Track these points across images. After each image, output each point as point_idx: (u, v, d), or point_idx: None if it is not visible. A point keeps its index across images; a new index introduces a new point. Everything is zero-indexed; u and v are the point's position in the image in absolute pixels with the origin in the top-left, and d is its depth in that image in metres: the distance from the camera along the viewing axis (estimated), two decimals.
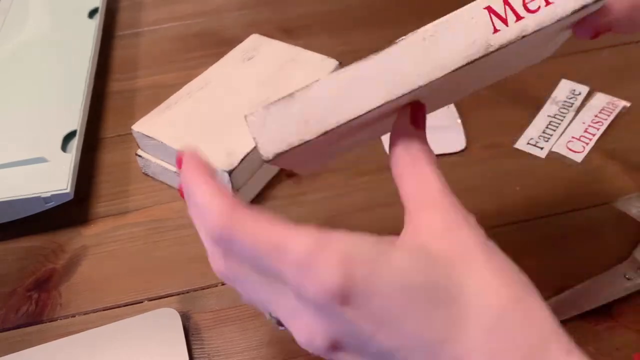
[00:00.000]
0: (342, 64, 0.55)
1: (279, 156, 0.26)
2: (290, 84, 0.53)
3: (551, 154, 0.51)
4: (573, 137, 0.52)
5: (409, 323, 0.22)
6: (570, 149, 0.51)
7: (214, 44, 0.68)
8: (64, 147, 0.50)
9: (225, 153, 0.47)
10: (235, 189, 0.47)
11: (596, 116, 0.54)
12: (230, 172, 0.46)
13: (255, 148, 0.45)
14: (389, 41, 0.25)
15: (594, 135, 0.52)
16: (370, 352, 0.23)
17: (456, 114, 0.54)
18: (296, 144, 0.26)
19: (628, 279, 0.41)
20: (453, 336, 0.22)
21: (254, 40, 0.59)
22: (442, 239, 0.24)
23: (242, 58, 0.57)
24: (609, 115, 0.54)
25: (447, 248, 0.23)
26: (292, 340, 0.37)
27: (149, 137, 0.49)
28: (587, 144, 0.52)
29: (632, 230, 0.45)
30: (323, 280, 0.21)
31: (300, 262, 0.22)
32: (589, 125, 0.53)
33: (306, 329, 0.23)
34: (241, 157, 0.46)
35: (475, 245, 0.24)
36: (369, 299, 0.21)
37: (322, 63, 0.55)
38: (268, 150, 0.26)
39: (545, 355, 0.22)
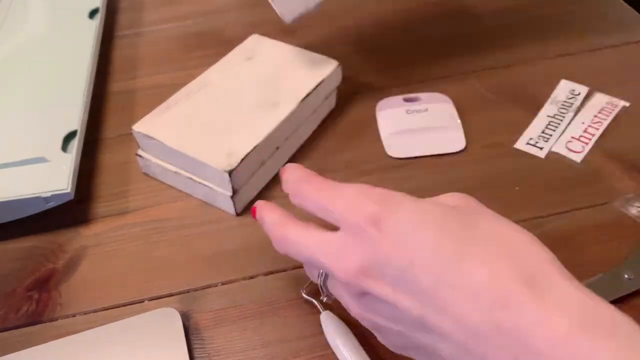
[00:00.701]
0: (341, 64, 0.55)
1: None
2: (291, 84, 0.53)
3: (551, 154, 0.51)
4: (573, 137, 0.52)
5: (426, 243, 0.27)
6: (570, 149, 0.51)
7: (214, 44, 0.68)
8: (64, 147, 0.50)
9: (225, 153, 0.47)
10: (235, 189, 0.47)
11: (595, 116, 0.54)
12: (230, 173, 0.46)
13: (255, 148, 0.47)
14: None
15: (593, 135, 0.52)
16: (389, 273, 0.28)
17: (456, 114, 0.55)
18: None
19: (628, 279, 0.41)
20: (465, 255, 0.26)
21: (254, 40, 0.59)
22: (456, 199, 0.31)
23: (242, 58, 0.57)
24: (608, 115, 0.54)
25: (460, 204, 0.30)
26: (293, 339, 0.37)
27: (150, 137, 0.49)
28: (586, 143, 0.52)
29: (632, 231, 0.45)
30: (363, 209, 0.29)
31: (349, 202, 0.30)
32: (589, 126, 0.53)
33: (341, 254, 0.29)
34: (241, 157, 0.46)
35: (481, 205, 0.30)
36: (394, 223, 0.28)
37: (322, 63, 0.55)
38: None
39: (547, 278, 0.25)
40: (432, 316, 0.26)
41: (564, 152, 0.51)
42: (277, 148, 0.51)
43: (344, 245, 0.29)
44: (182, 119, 0.50)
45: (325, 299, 0.35)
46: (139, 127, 0.50)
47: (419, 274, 0.26)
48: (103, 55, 0.66)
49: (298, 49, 0.57)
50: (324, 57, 0.56)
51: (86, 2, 0.67)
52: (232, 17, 0.72)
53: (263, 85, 0.54)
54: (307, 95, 0.52)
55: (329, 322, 0.39)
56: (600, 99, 0.56)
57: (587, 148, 0.51)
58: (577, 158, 0.51)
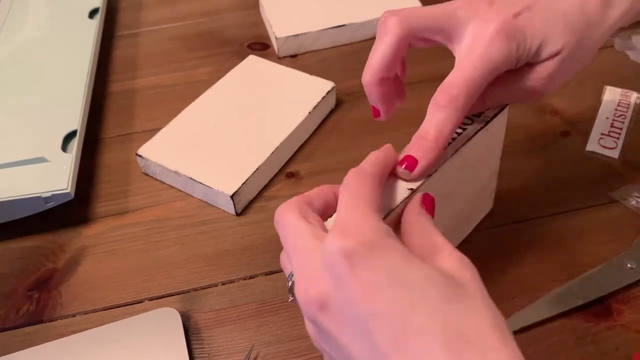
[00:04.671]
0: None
1: None
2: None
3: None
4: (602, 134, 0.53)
5: (395, 306, 0.24)
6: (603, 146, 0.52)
7: (214, 44, 0.68)
8: (64, 147, 0.50)
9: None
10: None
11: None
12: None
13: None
14: None
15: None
16: (349, 316, 0.25)
17: None
18: None
19: (631, 268, 0.41)
20: (416, 309, 0.24)
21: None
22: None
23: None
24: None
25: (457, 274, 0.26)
26: (292, 339, 0.37)
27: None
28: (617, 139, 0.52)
29: (634, 223, 0.45)
30: (337, 247, 0.26)
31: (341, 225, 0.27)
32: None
33: (311, 277, 0.27)
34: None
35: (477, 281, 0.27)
36: (370, 271, 0.25)
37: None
38: None
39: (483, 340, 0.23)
40: None
41: (599, 150, 0.51)
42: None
43: (316, 269, 0.27)
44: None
45: (290, 300, 0.33)
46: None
47: (376, 330, 0.24)
48: (103, 55, 0.66)
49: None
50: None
51: (86, 2, 0.67)
52: (232, 17, 0.72)
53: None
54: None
55: None
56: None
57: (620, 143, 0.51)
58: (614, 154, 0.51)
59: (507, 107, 0.37)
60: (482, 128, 0.35)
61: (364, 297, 0.25)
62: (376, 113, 0.38)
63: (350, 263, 0.25)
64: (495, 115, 0.36)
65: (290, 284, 0.31)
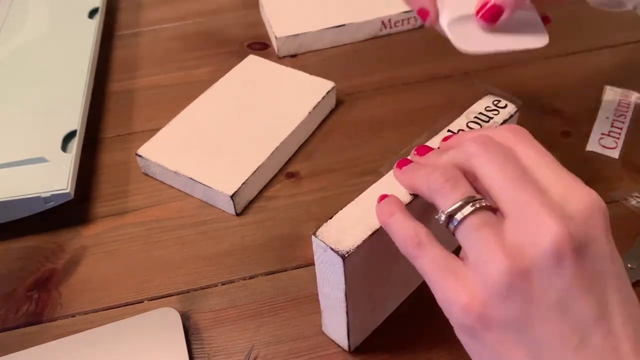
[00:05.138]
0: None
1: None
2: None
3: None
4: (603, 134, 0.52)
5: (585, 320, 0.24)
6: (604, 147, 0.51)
7: (214, 44, 0.68)
8: (64, 147, 0.50)
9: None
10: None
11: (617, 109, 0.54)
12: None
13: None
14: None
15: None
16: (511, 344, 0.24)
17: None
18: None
19: (631, 268, 0.41)
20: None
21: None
22: None
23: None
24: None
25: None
26: (293, 339, 0.37)
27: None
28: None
29: (634, 223, 0.45)
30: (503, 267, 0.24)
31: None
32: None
33: (471, 295, 0.25)
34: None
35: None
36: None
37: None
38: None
39: None
40: None
41: (599, 150, 0.51)
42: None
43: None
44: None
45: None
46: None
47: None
48: (103, 55, 0.66)
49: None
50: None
51: (86, 2, 0.67)
52: (232, 17, 0.72)
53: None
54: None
55: None
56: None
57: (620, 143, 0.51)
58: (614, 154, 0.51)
59: (517, 112, 0.38)
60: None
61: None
62: (424, 14, 0.37)
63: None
64: (505, 121, 0.36)
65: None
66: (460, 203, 0.26)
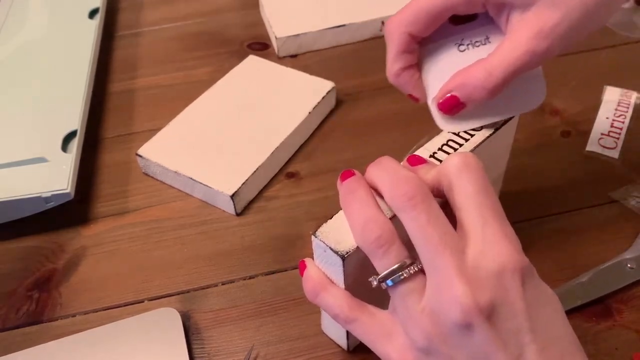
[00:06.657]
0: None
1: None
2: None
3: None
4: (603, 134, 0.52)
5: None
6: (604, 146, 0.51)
7: (214, 44, 0.68)
8: (64, 147, 0.50)
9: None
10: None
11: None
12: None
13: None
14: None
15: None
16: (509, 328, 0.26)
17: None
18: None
19: (630, 268, 0.41)
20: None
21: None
22: None
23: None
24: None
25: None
26: (293, 339, 0.37)
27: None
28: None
29: (634, 223, 0.45)
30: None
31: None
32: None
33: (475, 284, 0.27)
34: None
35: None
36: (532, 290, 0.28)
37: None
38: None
39: None
40: None
41: (599, 150, 0.51)
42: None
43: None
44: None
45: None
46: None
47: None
48: (103, 55, 0.66)
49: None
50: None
51: (86, 2, 0.67)
52: (232, 17, 0.72)
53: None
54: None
55: None
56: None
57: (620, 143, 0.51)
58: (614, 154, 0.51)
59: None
60: (491, 135, 0.35)
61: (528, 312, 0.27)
62: (414, 99, 0.37)
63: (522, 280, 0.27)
64: (505, 122, 0.36)
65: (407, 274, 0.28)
66: (392, 269, 0.28)
